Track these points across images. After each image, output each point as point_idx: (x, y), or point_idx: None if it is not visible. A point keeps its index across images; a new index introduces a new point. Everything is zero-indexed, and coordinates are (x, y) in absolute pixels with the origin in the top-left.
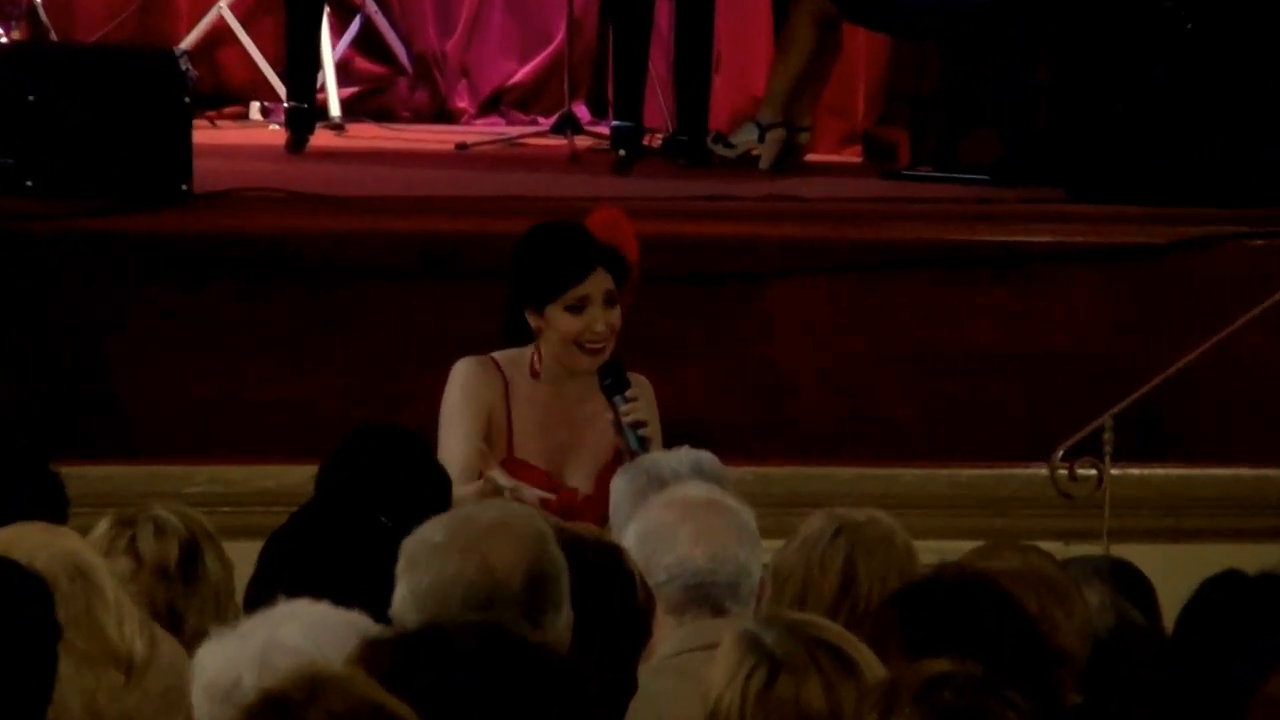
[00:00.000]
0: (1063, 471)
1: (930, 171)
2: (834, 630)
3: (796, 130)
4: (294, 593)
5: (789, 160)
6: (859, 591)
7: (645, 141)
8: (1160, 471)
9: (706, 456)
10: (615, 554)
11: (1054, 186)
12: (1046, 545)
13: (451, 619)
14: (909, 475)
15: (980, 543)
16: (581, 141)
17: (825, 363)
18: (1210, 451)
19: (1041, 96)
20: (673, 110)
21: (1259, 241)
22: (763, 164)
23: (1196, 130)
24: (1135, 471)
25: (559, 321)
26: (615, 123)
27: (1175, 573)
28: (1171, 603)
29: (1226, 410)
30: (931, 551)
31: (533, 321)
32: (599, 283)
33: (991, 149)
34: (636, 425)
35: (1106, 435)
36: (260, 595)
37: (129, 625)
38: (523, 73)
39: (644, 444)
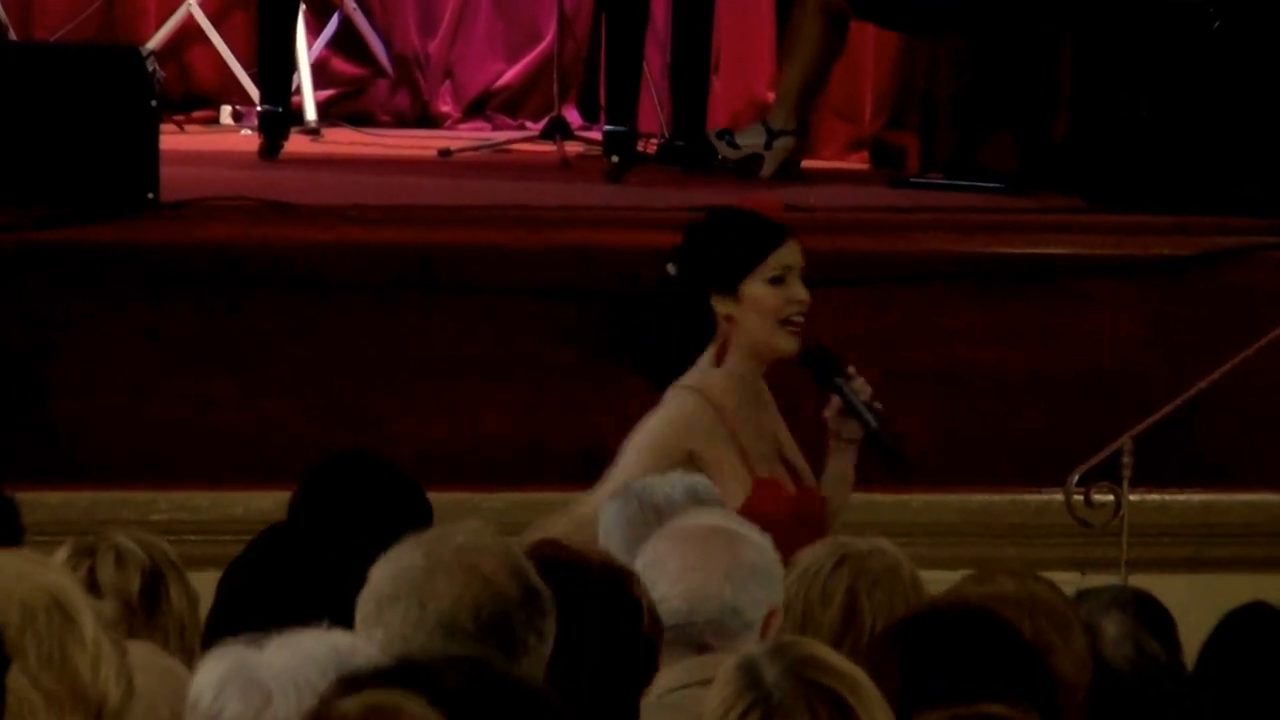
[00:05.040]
0: (1079, 497)
1: (942, 179)
2: (846, 675)
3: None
4: (257, 625)
5: (789, 167)
6: (862, 625)
7: (639, 147)
8: (1182, 497)
9: (702, 482)
10: (623, 579)
11: (1071, 195)
12: (1062, 575)
13: (435, 653)
14: (917, 501)
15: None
16: (572, 147)
17: None
18: (1236, 476)
19: (1059, 100)
20: (669, 114)
21: None
22: (765, 171)
23: (1224, 135)
24: (1155, 497)
25: (760, 296)
26: (608, 127)
27: (1198, 604)
28: (1194, 636)
29: (1254, 432)
30: (941, 583)
31: (722, 309)
32: (796, 252)
33: (1007, 156)
34: (871, 403)
35: (1125, 459)
36: (221, 627)
37: (105, 668)
38: (510, 74)
39: (885, 422)
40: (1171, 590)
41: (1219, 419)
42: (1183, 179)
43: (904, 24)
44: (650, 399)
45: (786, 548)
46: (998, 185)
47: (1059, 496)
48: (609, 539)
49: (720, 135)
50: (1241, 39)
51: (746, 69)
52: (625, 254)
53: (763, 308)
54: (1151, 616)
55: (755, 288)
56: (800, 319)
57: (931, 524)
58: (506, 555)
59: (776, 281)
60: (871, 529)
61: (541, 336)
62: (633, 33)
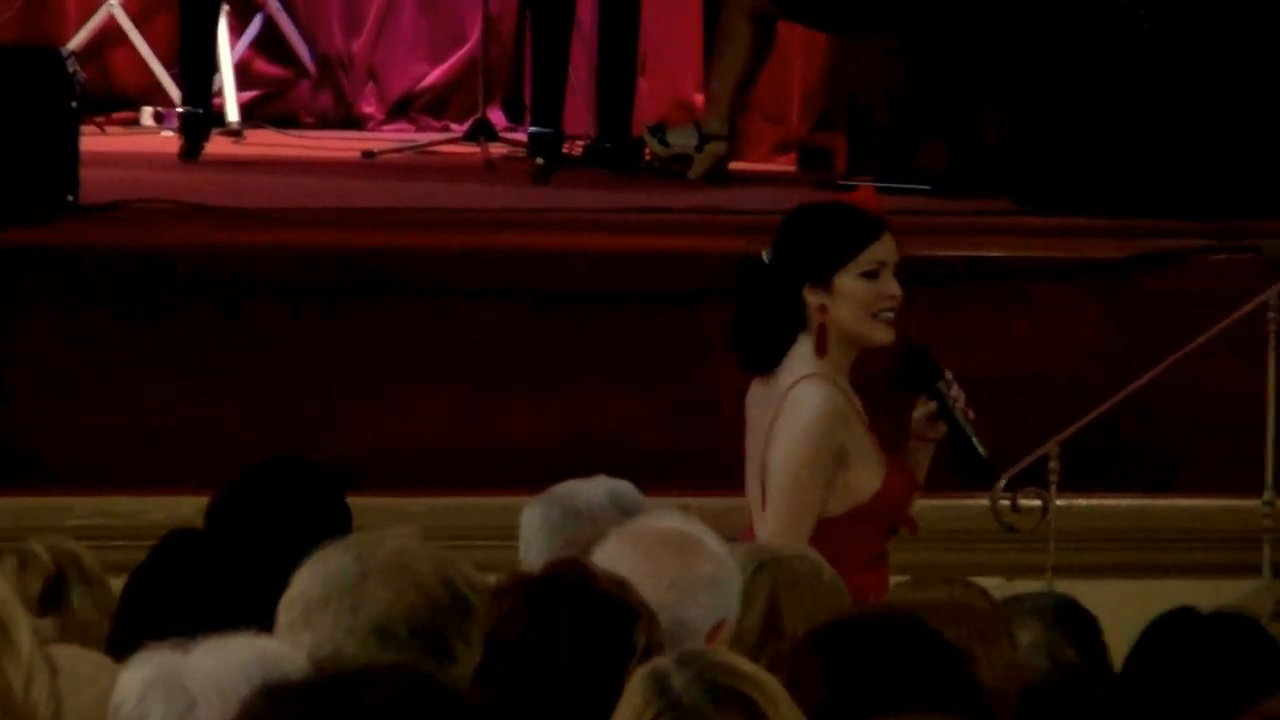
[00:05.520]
0: (1005, 502)
1: (870, 181)
2: (753, 679)
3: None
4: (162, 632)
5: (717, 171)
6: (784, 631)
7: (565, 149)
8: (1110, 502)
9: (624, 486)
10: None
11: (1001, 197)
12: (989, 580)
13: (364, 660)
14: None
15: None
16: (497, 149)
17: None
18: (1167, 481)
19: (988, 102)
20: (596, 115)
21: (1224, 256)
22: (693, 173)
23: (1157, 137)
24: (1083, 502)
25: (852, 289)
26: (533, 129)
27: (1126, 610)
28: (1122, 642)
29: (1185, 436)
30: None
31: (814, 300)
32: (891, 247)
33: (936, 158)
34: (966, 410)
35: (1052, 464)
36: (124, 633)
37: (38, 686)
38: (434, 75)
39: (979, 433)
40: (1099, 596)
41: (1152, 423)
42: (1115, 182)
43: (831, 25)
44: (581, 400)
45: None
46: (927, 187)
47: (986, 502)
48: (529, 544)
49: (653, 131)
50: (1173, 40)
51: (673, 70)
52: (551, 256)
53: (855, 301)
54: (1073, 623)
55: (848, 281)
56: (892, 309)
57: None
58: (438, 561)
59: (870, 275)
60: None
61: (469, 339)
62: (558, 33)
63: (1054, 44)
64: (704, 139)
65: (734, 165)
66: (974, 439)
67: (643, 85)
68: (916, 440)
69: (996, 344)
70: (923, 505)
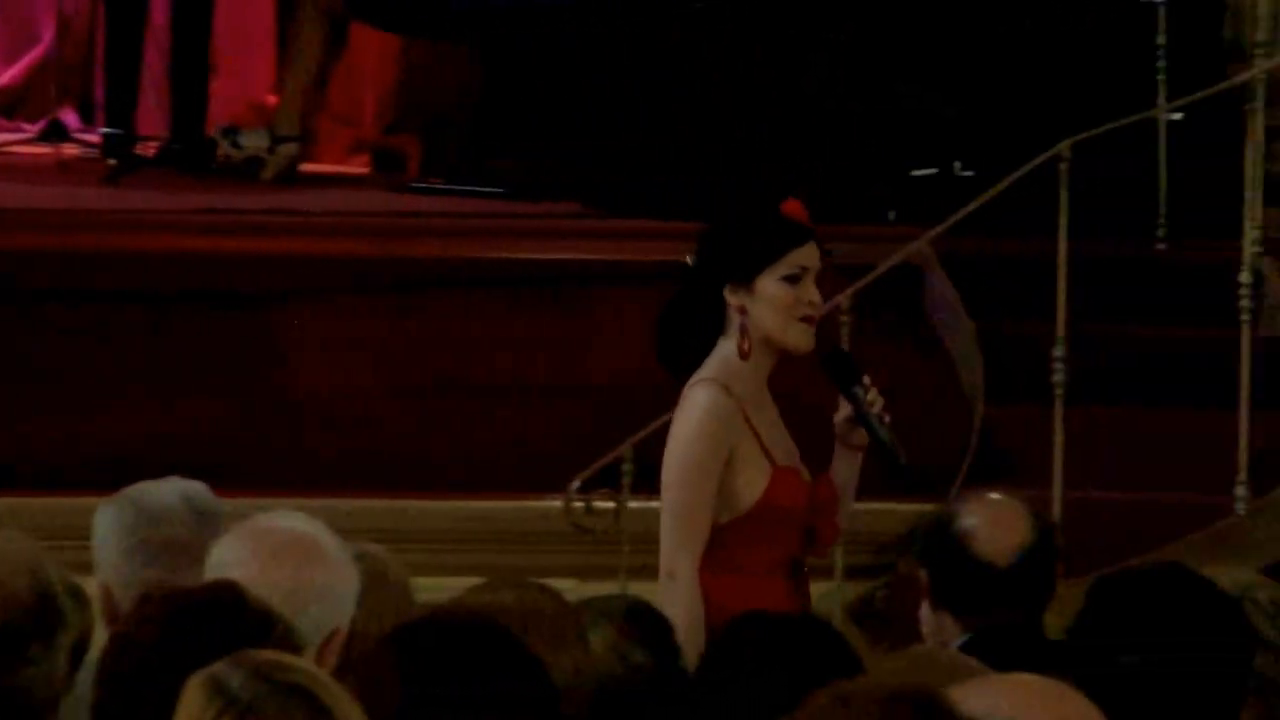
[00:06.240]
0: (579, 504)
1: (443, 184)
2: (307, 673)
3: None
4: None
5: (288, 172)
6: (351, 631)
7: (139, 149)
8: None
9: (197, 487)
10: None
11: (572, 200)
12: (562, 582)
13: None
14: (415, 508)
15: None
16: (70, 150)
17: (332, 388)
18: None
19: (561, 107)
20: (169, 116)
21: None
22: (265, 175)
23: (720, 141)
24: (657, 504)
25: (773, 292)
26: (106, 130)
27: None
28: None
29: None
30: (441, 589)
31: (734, 300)
32: (814, 255)
33: (509, 161)
34: (882, 415)
35: (626, 465)
36: None
37: None
38: (7, 76)
39: (893, 435)
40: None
41: None
42: (686, 185)
43: (403, 26)
44: (154, 401)
45: (803, 537)
46: (500, 190)
47: (560, 503)
48: (103, 545)
49: (226, 133)
50: (734, 49)
51: (247, 71)
52: (122, 257)
53: (775, 304)
54: (645, 625)
55: (769, 284)
56: (811, 315)
57: (432, 530)
58: (28, 562)
59: (791, 280)
60: (371, 535)
61: (40, 339)
62: (130, 33)
63: (622, 50)
64: (276, 141)
65: (308, 167)
66: (890, 444)
67: (216, 86)
68: (842, 446)
69: (569, 347)
70: (496, 507)
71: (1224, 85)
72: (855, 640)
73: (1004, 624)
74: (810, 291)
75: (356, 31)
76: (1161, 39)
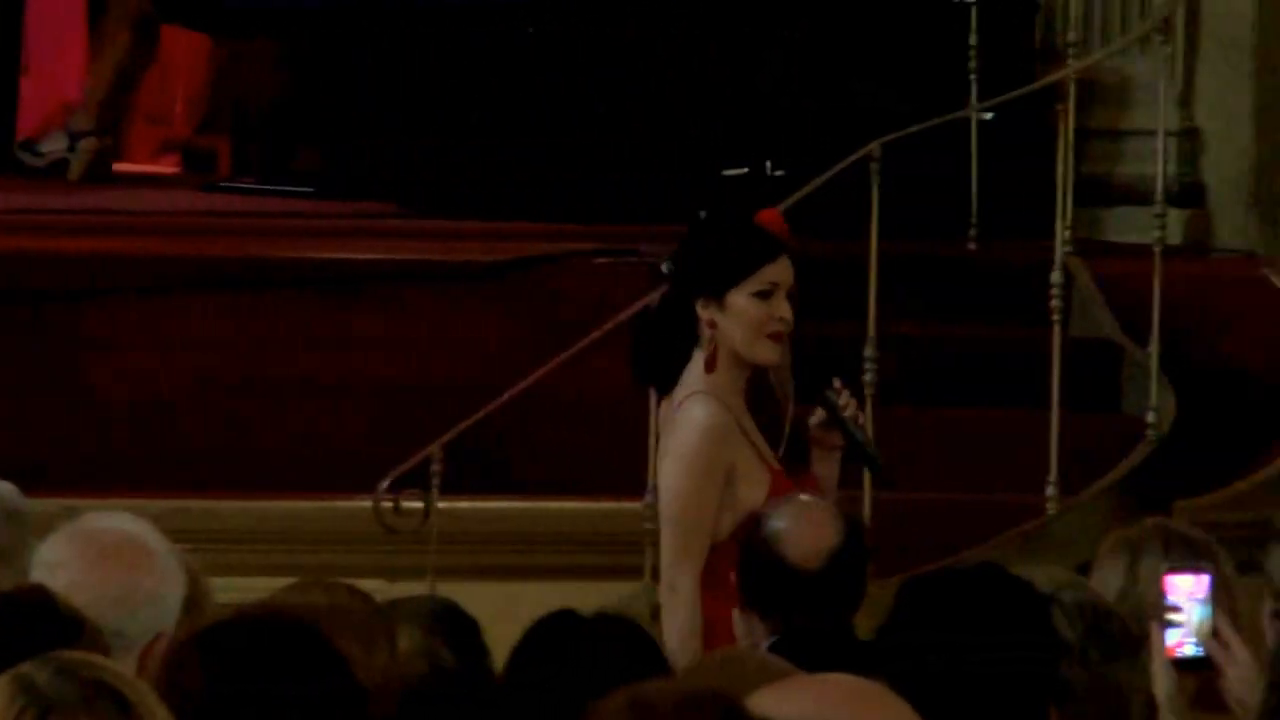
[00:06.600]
0: (388, 504)
1: (253, 184)
2: (111, 671)
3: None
4: None
5: (99, 170)
6: None
7: None
8: (492, 505)
9: (6, 488)
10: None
11: (384, 200)
12: (371, 583)
13: None
14: (225, 508)
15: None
16: None
17: (136, 389)
18: (549, 483)
19: (366, 107)
20: None
21: (606, 260)
22: (72, 174)
23: (536, 141)
24: (465, 504)
25: (744, 308)
26: None
27: (507, 612)
28: (504, 644)
29: (568, 439)
30: (250, 590)
31: (705, 314)
32: (787, 270)
33: (318, 161)
34: (856, 417)
35: (435, 466)
36: None
37: None
38: None
39: (866, 436)
40: (481, 598)
41: (533, 426)
42: (495, 185)
43: (212, 27)
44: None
45: None
46: (310, 190)
47: (369, 504)
48: None
49: (24, 147)
50: (555, 50)
51: (57, 72)
52: None
53: (745, 320)
54: (453, 626)
55: (740, 299)
56: (781, 330)
57: (238, 531)
58: None
59: (762, 296)
60: (178, 536)
61: None
62: None
63: (427, 48)
64: (74, 139)
65: (118, 167)
66: (865, 445)
67: (25, 86)
68: (818, 449)
69: (377, 347)
70: (305, 507)
71: (1035, 85)
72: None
73: (813, 626)
74: (781, 307)
75: (167, 32)
76: (973, 39)
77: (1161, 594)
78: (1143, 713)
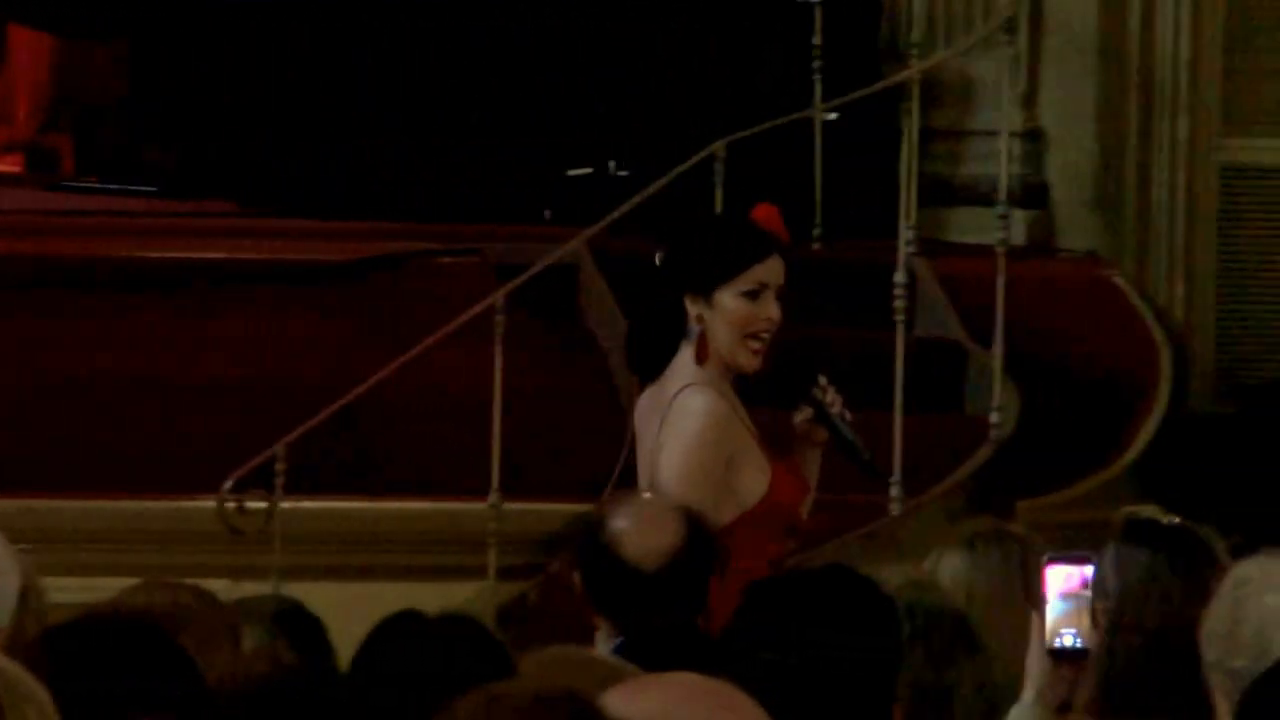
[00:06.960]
0: (232, 504)
1: (96, 183)
2: None
3: None
4: None
5: None
6: None
7: None
8: (337, 504)
9: None
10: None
11: (229, 199)
12: (215, 583)
13: None
14: (68, 508)
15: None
16: None
17: None
18: (395, 483)
19: (217, 106)
20: None
21: (450, 259)
22: None
23: (381, 141)
24: (310, 504)
25: (731, 307)
26: None
27: (352, 612)
28: (349, 644)
29: (413, 438)
30: (95, 590)
31: (693, 309)
32: (777, 270)
33: (163, 159)
34: (844, 413)
35: (279, 466)
36: None
37: None
38: None
39: (856, 432)
40: (326, 598)
41: (379, 425)
42: (340, 185)
43: (54, 25)
44: None
45: (791, 533)
46: (153, 189)
47: (213, 503)
48: None
49: None
50: (393, 53)
51: None
52: None
53: (730, 319)
54: (297, 626)
55: (727, 298)
56: (765, 335)
57: (85, 530)
58: None
59: (750, 295)
60: (21, 535)
61: None
62: None
63: (270, 46)
64: None
65: None
66: (854, 441)
67: None
68: (802, 445)
69: (221, 347)
70: (149, 507)
71: (880, 85)
72: (506, 641)
73: (658, 626)
74: (769, 308)
75: (11, 30)
76: (817, 39)
77: (1041, 584)
78: (979, 708)
